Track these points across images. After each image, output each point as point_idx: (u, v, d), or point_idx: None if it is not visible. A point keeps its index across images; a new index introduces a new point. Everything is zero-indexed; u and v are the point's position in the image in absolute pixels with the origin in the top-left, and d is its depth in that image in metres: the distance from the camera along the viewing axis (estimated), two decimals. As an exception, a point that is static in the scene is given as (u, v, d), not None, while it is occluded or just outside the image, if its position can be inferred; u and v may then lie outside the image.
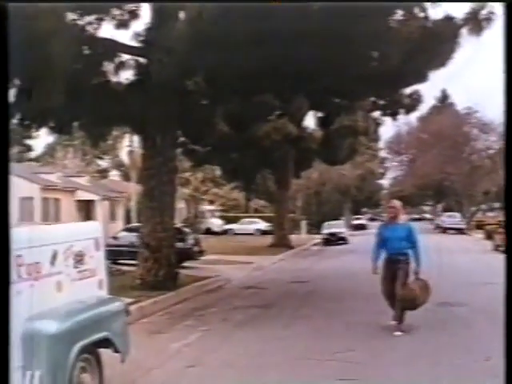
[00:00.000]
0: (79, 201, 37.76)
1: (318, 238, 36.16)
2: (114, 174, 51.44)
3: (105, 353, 5.72)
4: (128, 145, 36.02)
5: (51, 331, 4.85)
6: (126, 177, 46.02)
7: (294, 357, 7.46)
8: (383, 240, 8.84)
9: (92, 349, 5.41)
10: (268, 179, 32.23)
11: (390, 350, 7.71)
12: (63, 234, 5.77)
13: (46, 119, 13.85)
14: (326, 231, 35.48)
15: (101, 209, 37.78)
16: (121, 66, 13.01)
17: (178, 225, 21.85)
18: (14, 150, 52.02)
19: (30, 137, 51.68)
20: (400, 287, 8.54)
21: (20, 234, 5.55)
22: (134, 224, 23.99)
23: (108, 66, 12.82)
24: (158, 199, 13.58)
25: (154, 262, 13.45)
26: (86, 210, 37.17)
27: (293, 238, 32.82)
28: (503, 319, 3.47)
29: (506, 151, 3.67)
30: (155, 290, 12.56)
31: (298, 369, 6.88)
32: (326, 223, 37.01)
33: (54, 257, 5.37)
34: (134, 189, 33.56)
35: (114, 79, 13.20)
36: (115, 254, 16.83)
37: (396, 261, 8.65)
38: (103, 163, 60.96)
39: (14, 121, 15.47)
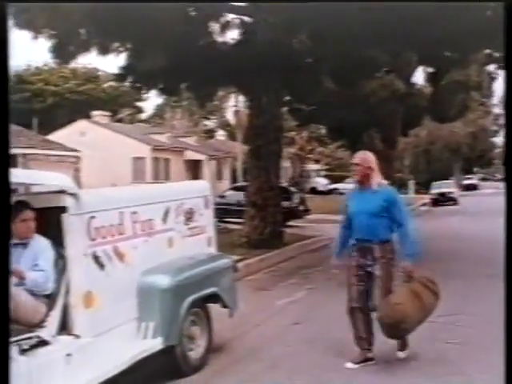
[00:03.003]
0: (187, 160, 38.84)
1: (426, 198, 35.21)
2: (221, 134, 52.33)
3: (213, 308, 5.91)
4: (234, 104, 36.41)
5: (164, 285, 5.06)
6: (232, 136, 46.72)
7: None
8: (349, 217, 5.45)
9: (202, 303, 5.58)
10: (374, 138, 31.52)
11: (498, 315, 7.42)
12: (174, 192, 5.96)
13: (155, 81, 14.24)
14: (434, 191, 34.48)
15: (208, 168, 38.70)
16: (226, 25, 13.08)
17: (284, 184, 22.00)
18: (126, 112, 54.13)
19: (140, 99, 53.50)
20: (378, 299, 5.28)
21: (135, 192, 5.82)
22: (241, 183, 24.39)
23: (214, 27, 12.93)
24: (264, 158, 13.70)
25: (260, 220, 13.65)
26: (193, 170, 38.22)
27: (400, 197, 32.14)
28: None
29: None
30: (261, 247, 12.78)
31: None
32: (435, 183, 35.94)
33: (166, 214, 5.57)
34: (240, 148, 34.04)
35: (219, 39, 13.31)
36: (222, 213, 17.24)
37: (368, 250, 5.27)
38: (210, 123, 62.14)
39: (126, 83, 16.09)
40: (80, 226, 4.48)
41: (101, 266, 4.66)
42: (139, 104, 58.17)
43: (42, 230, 4.45)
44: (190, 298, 5.27)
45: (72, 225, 4.43)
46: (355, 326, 5.42)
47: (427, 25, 10.98)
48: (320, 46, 11.59)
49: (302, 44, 10.97)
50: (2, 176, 2.79)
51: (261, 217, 13.65)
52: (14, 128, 24.06)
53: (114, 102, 49.83)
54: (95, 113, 39.52)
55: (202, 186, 6.73)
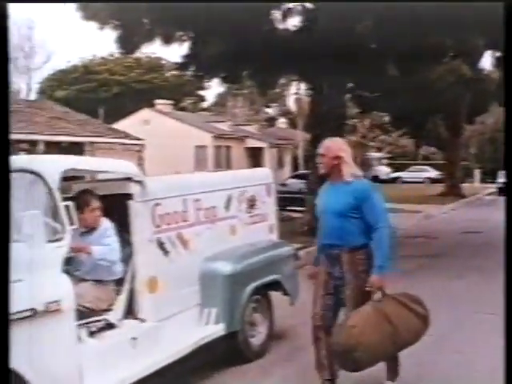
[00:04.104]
0: (248, 148, 38.97)
1: (492, 188, 34.22)
2: (282, 122, 52.24)
3: (275, 295, 5.92)
4: (295, 92, 36.24)
5: (227, 272, 5.11)
6: (293, 124, 46.53)
7: (462, 309, 7.20)
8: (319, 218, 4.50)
9: (263, 290, 5.61)
10: (439, 125, 30.79)
11: None
12: (237, 180, 5.99)
13: (217, 69, 14.32)
14: (501, 180, 33.40)
15: (269, 156, 38.72)
16: (288, 12, 13.01)
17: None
18: (188, 101, 54.75)
19: (202, 87, 53.96)
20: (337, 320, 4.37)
21: (198, 180, 5.89)
22: (302, 171, 24.30)
23: (275, 14, 12.87)
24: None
25: (322, 208, 13.56)
26: (254, 158, 38.32)
27: (465, 186, 31.36)
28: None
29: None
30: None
31: (465, 321, 6.64)
32: (502, 171, 34.82)
33: (229, 201, 5.61)
34: (301, 136, 33.88)
35: (281, 26, 13.25)
36: (283, 201, 17.20)
37: (336, 259, 4.31)
38: (271, 111, 62.12)
39: (189, 72, 16.25)
40: (145, 212, 4.56)
41: (165, 252, 4.74)
42: (201, 92, 58.68)
43: (109, 216, 4.56)
44: (252, 285, 5.31)
45: (137, 211, 4.52)
46: (316, 350, 4.41)
47: (495, 7, 10.59)
48: (384, 32, 11.37)
49: (365, 29, 10.79)
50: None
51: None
52: (80, 117, 24.73)
53: (177, 91, 50.47)
54: (158, 102, 40.12)
55: (265, 173, 6.74)
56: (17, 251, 3.53)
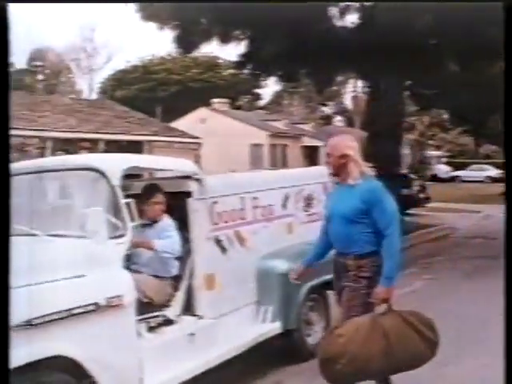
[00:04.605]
0: (304, 147, 38.84)
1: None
2: (338, 120, 51.85)
3: (331, 294, 5.89)
4: (352, 90, 35.92)
5: (283, 270, 5.09)
6: (350, 122, 46.16)
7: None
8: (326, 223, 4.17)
9: (320, 289, 5.55)
10: (501, 122, 29.94)
11: None
12: (294, 178, 5.98)
13: (274, 67, 14.36)
14: None
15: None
16: (346, 10, 12.91)
17: (403, 171, 21.46)
18: (245, 99, 55.01)
19: (259, 86, 54.11)
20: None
21: (255, 178, 5.91)
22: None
23: (333, 11, 12.80)
24: (383, 144, 13.44)
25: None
26: (310, 156, 38.17)
27: (528, 185, 30.41)
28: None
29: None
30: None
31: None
32: None
33: (286, 200, 5.61)
34: (358, 134, 33.57)
35: (339, 24, 13.16)
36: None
37: (343, 268, 3.97)
38: (327, 109, 61.73)
39: (245, 71, 16.35)
40: (203, 210, 4.61)
41: (223, 249, 4.78)
42: (257, 91, 58.81)
43: (168, 213, 4.63)
44: (309, 284, 5.27)
45: (196, 209, 4.57)
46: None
47: None
48: (444, 28, 11.14)
49: (425, 26, 10.60)
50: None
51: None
52: (139, 116, 25.21)
53: (233, 89, 50.75)
54: (215, 100, 40.45)
55: (321, 172, 6.67)
56: (79, 247, 3.64)
